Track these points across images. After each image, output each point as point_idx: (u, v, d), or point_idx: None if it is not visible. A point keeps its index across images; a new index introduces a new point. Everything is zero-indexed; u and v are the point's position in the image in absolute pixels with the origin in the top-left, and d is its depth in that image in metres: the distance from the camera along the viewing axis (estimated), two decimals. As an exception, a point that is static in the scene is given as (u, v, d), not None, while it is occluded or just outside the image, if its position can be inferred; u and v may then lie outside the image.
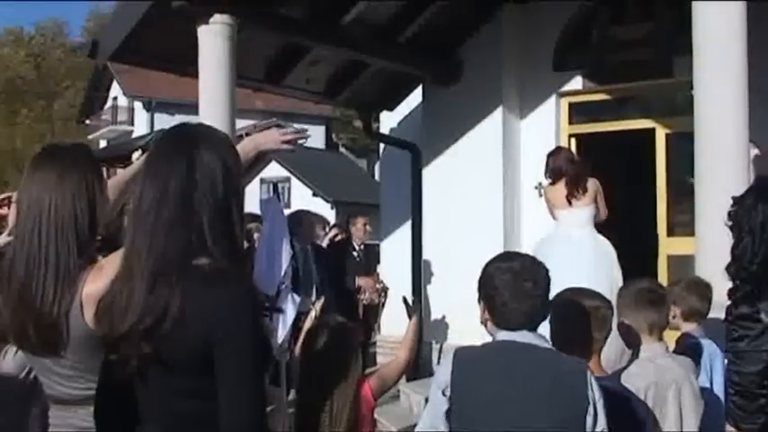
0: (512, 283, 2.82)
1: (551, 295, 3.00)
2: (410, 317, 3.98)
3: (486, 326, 2.95)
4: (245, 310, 2.14)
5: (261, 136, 3.06)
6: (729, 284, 3.13)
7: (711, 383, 4.14)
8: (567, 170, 7.24)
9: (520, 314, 2.81)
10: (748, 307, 2.94)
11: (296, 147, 3.11)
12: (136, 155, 4.01)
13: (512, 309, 2.81)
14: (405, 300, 4.05)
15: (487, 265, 2.94)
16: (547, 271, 2.89)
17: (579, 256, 6.90)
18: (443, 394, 2.84)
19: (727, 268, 3.13)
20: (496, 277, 2.86)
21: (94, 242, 2.65)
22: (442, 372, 2.88)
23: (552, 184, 7.35)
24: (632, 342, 3.70)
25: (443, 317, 9.80)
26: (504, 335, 2.85)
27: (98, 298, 2.39)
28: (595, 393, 2.74)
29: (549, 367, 2.78)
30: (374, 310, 9.17)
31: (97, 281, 2.47)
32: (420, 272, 10.40)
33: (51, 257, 2.52)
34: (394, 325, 9.05)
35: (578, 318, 3.29)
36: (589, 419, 2.70)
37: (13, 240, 2.63)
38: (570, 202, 7.21)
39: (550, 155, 7.58)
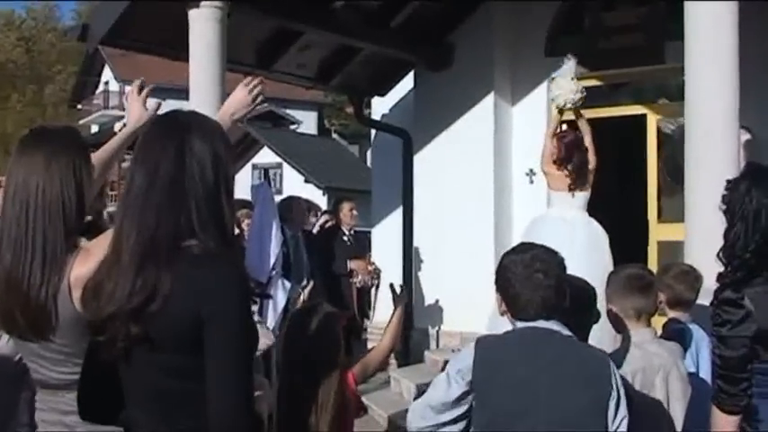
0: (523, 275, 2.87)
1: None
2: (396, 305, 3.98)
3: (505, 316, 2.99)
4: (233, 288, 2.18)
5: (232, 105, 3.01)
6: (719, 269, 3.13)
7: (698, 368, 4.14)
8: (574, 157, 7.21)
9: (533, 305, 2.86)
10: (733, 292, 2.95)
11: (263, 105, 3.07)
12: (117, 126, 3.95)
13: (524, 300, 2.87)
14: (392, 287, 4.05)
15: (503, 257, 3.01)
16: (561, 260, 2.94)
17: (572, 237, 6.90)
18: (462, 379, 2.88)
19: (719, 253, 3.13)
20: (509, 269, 2.92)
21: (82, 226, 2.64)
22: (463, 358, 2.92)
23: (558, 167, 7.30)
24: (620, 328, 3.71)
25: (437, 301, 9.82)
26: (523, 324, 2.89)
27: (86, 280, 2.40)
28: (618, 380, 2.80)
29: (572, 352, 2.85)
30: (368, 294, 9.16)
31: (85, 264, 2.48)
32: (411, 258, 10.41)
33: (39, 241, 2.52)
34: (385, 312, 9.06)
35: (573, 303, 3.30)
36: (612, 404, 2.75)
37: (0, 224, 2.61)
38: (572, 192, 7.20)
39: (560, 137, 7.54)
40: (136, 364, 2.20)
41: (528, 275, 2.86)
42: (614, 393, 2.75)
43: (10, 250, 2.53)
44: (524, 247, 3.02)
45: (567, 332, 2.88)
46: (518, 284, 2.87)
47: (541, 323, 2.85)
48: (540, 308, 2.85)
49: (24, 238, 2.52)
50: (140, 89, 3.30)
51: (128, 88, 3.49)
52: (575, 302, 3.35)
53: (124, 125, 3.37)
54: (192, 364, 2.12)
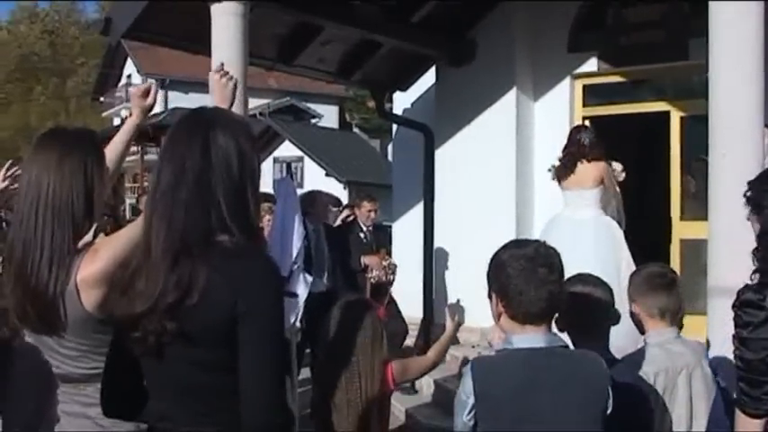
0: (527, 270, 2.68)
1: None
2: (451, 324, 4.04)
3: (498, 321, 2.82)
4: (269, 282, 2.22)
5: (218, 97, 2.93)
6: (743, 268, 3.10)
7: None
8: (569, 147, 7.41)
9: (537, 303, 2.68)
10: (754, 293, 2.90)
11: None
12: (125, 113, 3.99)
13: (528, 298, 2.67)
14: (450, 308, 4.09)
15: (497, 253, 2.81)
16: (560, 258, 2.77)
17: (582, 236, 7.01)
18: (468, 412, 2.73)
19: (754, 252, 3.08)
20: (509, 265, 2.71)
21: (91, 225, 2.67)
22: (464, 390, 2.74)
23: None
24: (643, 329, 3.69)
25: (457, 297, 9.79)
26: (519, 340, 2.72)
27: (95, 282, 2.46)
28: (610, 383, 2.72)
29: (575, 372, 2.72)
30: (383, 289, 9.06)
31: (92, 264, 2.51)
32: (432, 253, 10.40)
33: (47, 239, 2.56)
34: (404, 306, 9.05)
35: (575, 304, 3.30)
36: (608, 411, 2.70)
37: (13, 221, 2.68)
38: (562, 179, 7.39)
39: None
40: (167, 359, 2.21)
41: (532, 270, 2.67)
42: (610, 401, 2.69)
43: (20, 246, 2.58)
44: (521, 243, 2.84)
45: (561, 342, 2.76)
46: (520, 280, 2.67)
47: (540, 338, 2.70)
48: (546, 307, 2.69)
49: (34, 236, 2.57)
50: (146, 92, 3.33)
51: (150, 82, 3.53)
52: (592, 307, 3.34)
53: (129, 114, 3.40)
54: (226, 358, 2.14)
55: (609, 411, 2.69)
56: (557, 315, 2.91)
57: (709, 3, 5.73)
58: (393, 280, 8.97)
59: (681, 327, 3.68)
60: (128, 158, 3.74)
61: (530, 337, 2.71)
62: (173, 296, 2.14)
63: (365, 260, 8.82)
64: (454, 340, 9.18)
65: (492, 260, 2.81)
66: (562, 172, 7.37)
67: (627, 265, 6.72)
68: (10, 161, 3.90)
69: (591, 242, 6.99)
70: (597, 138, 7.42)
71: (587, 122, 9.57)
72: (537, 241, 2.85)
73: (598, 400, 2.69)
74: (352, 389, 3.40)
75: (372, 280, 8.74)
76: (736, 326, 2.96)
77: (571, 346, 3.22)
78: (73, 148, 2.67)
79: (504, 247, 2.83)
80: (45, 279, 2.52)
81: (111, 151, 3.21)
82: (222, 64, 3.06)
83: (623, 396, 2.81)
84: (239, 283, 2.14)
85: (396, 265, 9.02)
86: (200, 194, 2.22)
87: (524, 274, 2.68)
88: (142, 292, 2.19)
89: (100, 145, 2.82)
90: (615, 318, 3.50)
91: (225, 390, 2.14)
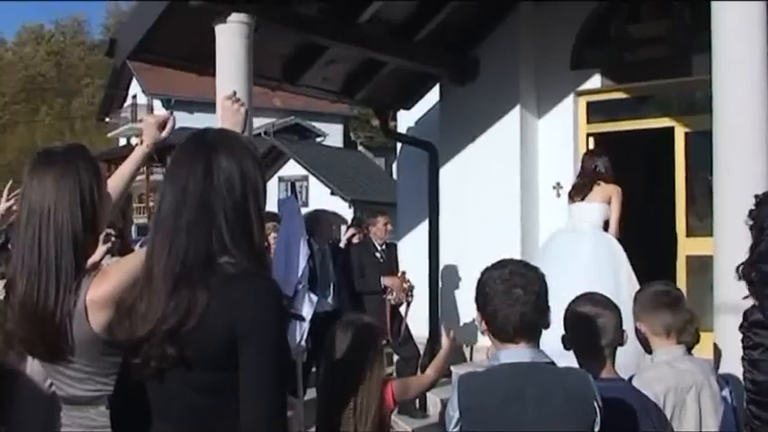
0: (501, 290, 2.78)
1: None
2: (446, 343, 4.03)
3: (488, 337, 2.91)
4: (268, 304, 2.19)
5: (228, 123, 2.89)
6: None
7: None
8: (582, 170, 7.53)
9: (511, 322, 2.77)
10: (762, 314, 2.88)
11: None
12: (134, 141, 3.94)
13: (502, 317, 2.78)
14: (447, 330, 4.10)
15: (482, 273, 2.92)
16: (541, 275, 2.85)
17: (581, 244, 7.09)
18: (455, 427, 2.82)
19: (738, 268, 3.07)
20: (488, 285, 2.83)
21: (97, 240, 2.64)
22: (451, 406, 2.84)
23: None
24: (649, 348, 3.67)
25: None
26: (506, 355, 2.81)
27: (104, 304, 2.43)
28: (599, 400, 2.73)
29: (558, 386, 2.75)
30: (399, 312, 8.90)
31: (101, 285, 2.49)
32: (437, 271, 10.36)
33: (51, 264, 2.53)
34: (415, 327, 9.01)
35: (580, 325, 3.29)
36: (596, 428, 2.71)
37: (15, 250, 2.63)
38: (573, 199, 7.53)
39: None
40: (168, 382, 2.21)
41: (506, 290, 2.77)
42: (598, 418, 2.70)
43: (24, 277, 2.55)
44: (502, 263, 2.92)
45: (546, 359, 2.81)
46: (496, 300, 2.78)
47: (525, 353, 2.77)
48: (520, 326, 2.76)
49: (38, 265, 2.53)
50: (163, 124, 3.22)
51: (156, 102, 3.49)
52: (598, 328, 3.33)
53: (139, 141, 3.32)
54: (226, 382, 2.13)
55: (597, 430, 2.70)
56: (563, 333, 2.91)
57: (712, 18, 5.74)
58: (411, 301, 8.82)
59: (696, 343, 3.67)
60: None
61: (514, 353, 2.80)
62: (172, 321, 2.14)
63: (385, 281, 8.61)
64: (460, 359, 9.18)
65: (478, 280, 2.92)
66: (577, 192, 7.46)
67: (628, 280, 6.73)
68: (11, 181, 3.87)
69: (589, 250, 7.06)
70: (610, 161, 7.50)
71: (591, 139, 9.58)
72: (519, 262, 2.96)
73: (582, 416, 2.71)
74: (351, 407, 3.39)
75: (392, 301, 8.58)
76: (745, 348, 2.92)
77: (576, 364, 3.22)
78: (66, 168, 2.63)
79: (488, 267, 2.92)
80: (52, 303, 2.50)
81: (118, 178, 3.17)
82: (234, 92, 3.01)
83: (621, 415, 2.80)
84: (239, 306, 2.13)
85: (414, 286, 8.89)
86: (202, 218, 2.22)
87: (498, 294, 2.79)
88: (143, 315, 2.19)
89: (92, 157, 2.78)
90: (622, 339, 3.48)
91: (227, 413, 2.14)
